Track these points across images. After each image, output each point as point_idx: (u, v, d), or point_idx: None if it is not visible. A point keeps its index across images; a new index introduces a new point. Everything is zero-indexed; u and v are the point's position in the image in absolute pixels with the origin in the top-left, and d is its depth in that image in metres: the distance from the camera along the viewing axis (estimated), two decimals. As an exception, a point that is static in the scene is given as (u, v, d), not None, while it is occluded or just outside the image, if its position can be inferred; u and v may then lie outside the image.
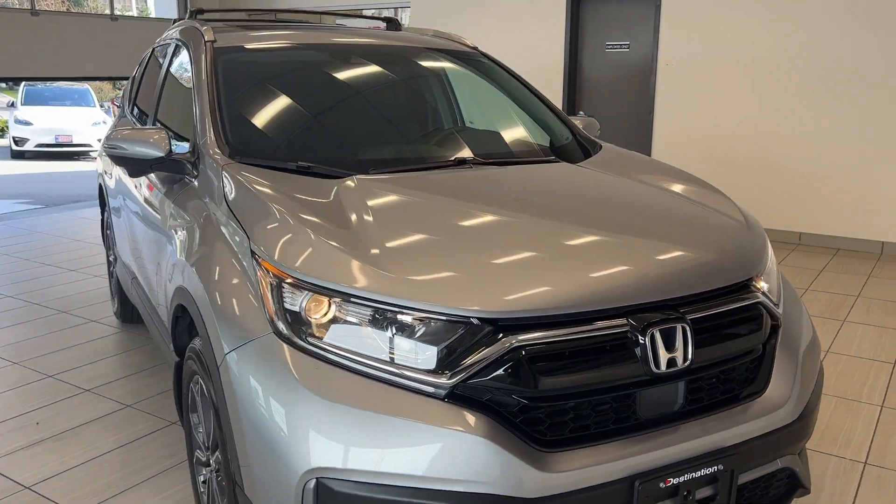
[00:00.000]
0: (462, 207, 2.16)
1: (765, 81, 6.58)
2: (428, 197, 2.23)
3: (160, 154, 2.51)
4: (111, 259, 4.51)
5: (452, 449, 1.59)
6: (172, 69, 3.35)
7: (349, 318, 1.72)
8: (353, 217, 1.97)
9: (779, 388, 1.97)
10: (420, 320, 1.68)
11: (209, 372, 1.96)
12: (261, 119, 2.80)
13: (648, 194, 2.40)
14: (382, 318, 1.70)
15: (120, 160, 2.63)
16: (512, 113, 3.17)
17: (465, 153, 2.69)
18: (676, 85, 7.07)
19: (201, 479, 2.38)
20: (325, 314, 1.74)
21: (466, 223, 2.06)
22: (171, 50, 3.41)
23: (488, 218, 2.10)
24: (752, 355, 1.96)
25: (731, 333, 1.89)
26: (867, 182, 6.27)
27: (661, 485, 1.71)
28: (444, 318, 1.67)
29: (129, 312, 4.41)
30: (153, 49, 3.98)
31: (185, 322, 2.41)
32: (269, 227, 1.96)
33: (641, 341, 1.72)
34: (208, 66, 2.78)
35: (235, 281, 1.91)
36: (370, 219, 1.96)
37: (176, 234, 2.42)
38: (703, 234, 2.11)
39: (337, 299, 1.73)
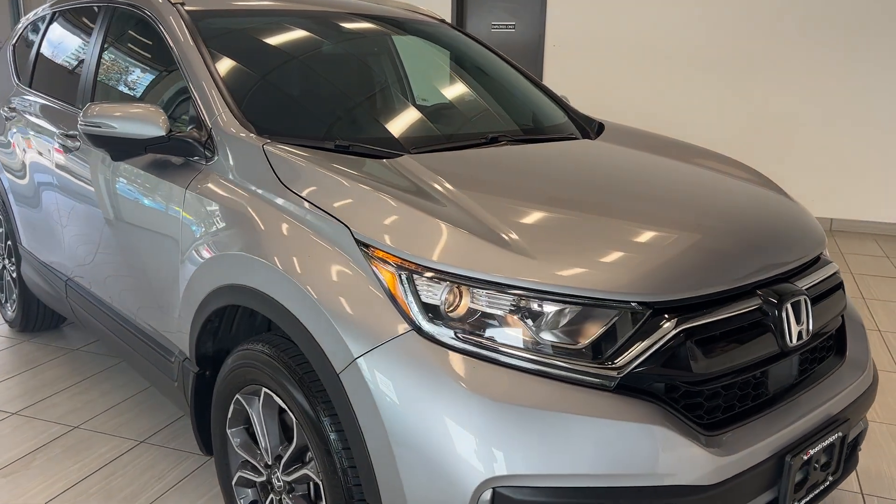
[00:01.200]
0: (551, 186, 2.05)
1: (651, 62, 6.91)
2: (506, 175, 2.10)
3: (159, 133, 2.15)
4: (3, 256, 3.89)
5: (632, 442, 1.50)
6: (114, 40, 2.91)
7: (499, 310, 1.57)
8: (454, 199, 1.80)
9: (856, 352, 2.06)
10: (579, 308, 1.56)
11: (302, 382, 1.72)
12: (267, 93, 2.50)
13: (703, 171, 2.39)
14: (538, 307, 1.56)
15: (101, 141, 2.23)
16: (514, 91, 3.06)
17: (492, 130, 2.56)
18: (563, 66, 7.24)
19: (244, 499, 2.10)
20: (472, 306, 1.57)
21: (571, 203, 1.95)
22: (103, 18, 2.95)
23: (584, 197, 2.00)
24: (840, 322, 2.04)
25: (830, 302, 1.95)
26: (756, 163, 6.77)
27: (804, 456, 1.72)
28: (603, 304, 1.56)
29: (33, 320, 3.82)
30: (45, 18, 3.45)
31: (213, 327, 2.11)
32: (374, 213, 1.74)
33: (776, 316, 1.72)
34: (189, 33, 2.43)
35: (342, 276, 1.67)
36: (473, 201, 1.80)
37: (202, 226, 2.09)
38: (783, 207, 2.14)
39: (483, 289, 1.57)
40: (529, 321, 1.56)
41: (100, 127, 2.20)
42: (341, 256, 1.69)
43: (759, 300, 1.73)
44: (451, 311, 1.57)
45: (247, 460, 2.08)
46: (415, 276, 1.59)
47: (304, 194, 1.86)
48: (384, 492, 1.57)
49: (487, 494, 1.46)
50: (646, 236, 1.78)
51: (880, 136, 6.33)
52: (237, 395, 2.01)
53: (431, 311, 1.57)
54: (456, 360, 1.52)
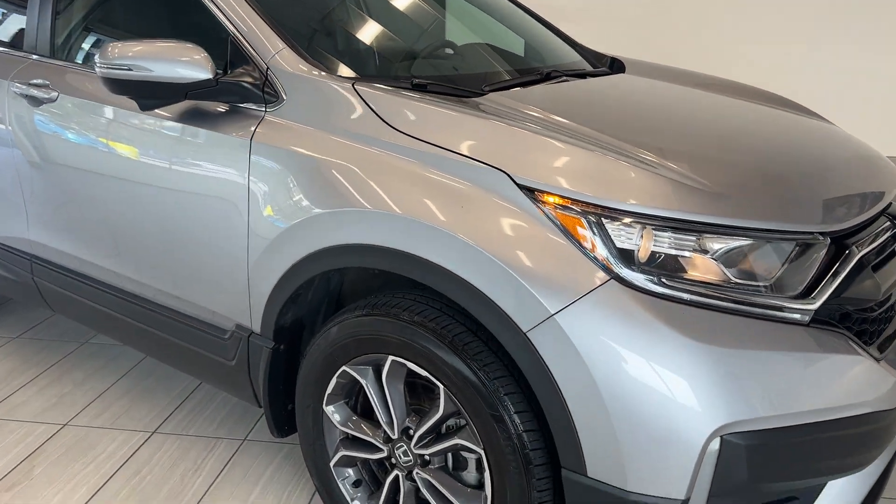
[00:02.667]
0: (659, 121, 1.96)
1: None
2: (609, 110, 1.99)
3: (205, 77, 1.84)
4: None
5: (837, 373, 1.48)
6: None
7: (692, 251, 1.47)
8: (589, 136, 1.67)
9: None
10: (769, 242, 1.50)
11: (455, 346, 1.56)
12: (319, 27, 2.21)
13: (758, 106, 2.38)
14: (729, 244, 1.49)
15: (129, 87, 1.88)
16: (533, 30, 2.91)
17: (542, 67, 2.42)
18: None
19: (346, 480, 1.93)
20: (662, 249, 1.47)
21: (694, 138, 1.87)
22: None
23: (698, 134, 1.93)
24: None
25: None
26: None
27: None
28: (793, 237, 1.52)
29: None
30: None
31: (299, 297, 1.87)
32: (531, 155, 1.58)
33: None
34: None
35: (510, 226, 1.51)
36: (617, 140, 1.68)
37: (280, 183, 1.81)
38: (860, 144, 2.17)
39: (674, 230, 1.47)
40: (722, 260, 1.48)
41: (130, 70, 1.84)
42: (502, 205, 1.52)
43: (890, 224, 1.75)
44: (643, 255, 1.47)
45: (353, 437, 1.89)
46: (604, 221, 1.47)
47: (427, 139, 1.65)
48: (589, 453, 1.46)
49: (715, 444, 1.39)
50: (791, 169, 1.75)
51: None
52: (344, 368, 1.80)
53: (628, 257, 1.46)
54: (662, 306, 1.42)
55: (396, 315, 1.67)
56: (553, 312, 1.43)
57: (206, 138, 1.96)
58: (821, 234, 1.54)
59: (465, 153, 1.60)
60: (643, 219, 1.46)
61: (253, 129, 1.88)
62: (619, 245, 1.46)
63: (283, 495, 2.24)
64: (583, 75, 2.41)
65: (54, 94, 2.34)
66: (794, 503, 1.58)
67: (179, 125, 2.01)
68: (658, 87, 2.45)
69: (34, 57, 2.50)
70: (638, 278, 1.44)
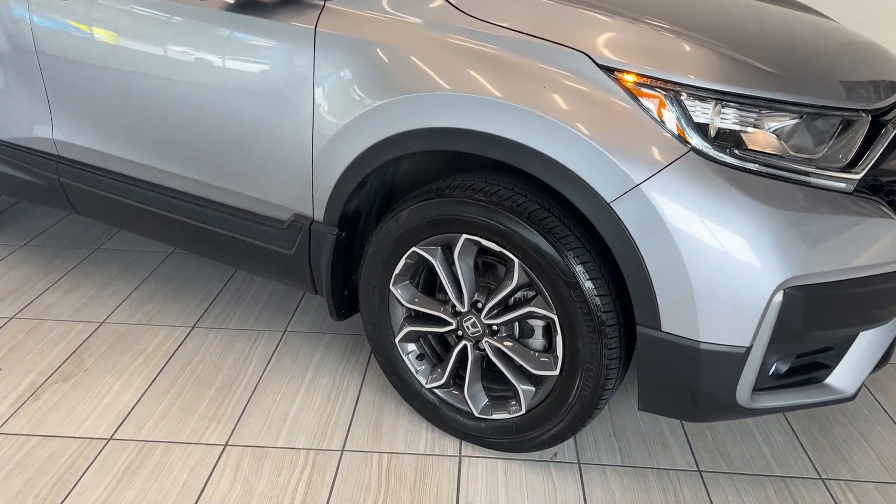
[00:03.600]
0: (706, 11, 2.06)
1: None
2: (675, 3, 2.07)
3: None
4: None
5: (875, 237, 1.66)
6: None
7: (755, 124, 1.62)
8: (650, 17, 1.78)
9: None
10: (820, 118, 1.66)
11: (532, 220, 1.70)
12: None
13: (792, 11, 2.47)
14: (788, 120, 1.64)
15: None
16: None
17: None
18: None
19: (410, 355, 2.07)
20: (731, 123, 1.61)
21: (746, 26, 1.99)
22: None
23: (753, 25, 2.03)
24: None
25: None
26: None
27: None
28: (840, 113, 1.67)
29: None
30: None
31: (366, 184, 1.96)
32: (606, 35, 1.68)
33: None
34: None
35: (593, 104, 1.61)
36: (682, 28, 1.78)
37: (347, 69, 1.86)
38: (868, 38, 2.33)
39: (739, 105, 1.61)
40: (780, 134, 1.64)
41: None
42: (584, 85, 1.63)
43: None
44: (715, 130, 1.60)
45: (418, 313, 2.02)
46: (682, 97, 1.59)
47: (506, 24, 1.73)
48: (665, 309, 1.63)
49: (779, 296, 1.57)
50: (832, 57, 1.91)
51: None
52: (414, 248, 1.91)
53: (703, 130, 1.59)
54: (734, 175, 1.57)
55: (472, 197, 1.78)
56: (638, 182, 1.57)
57: (264, 28, 1.98)
58: (863, 111, 1.71)
59: (546, 37, 1.69)
60: (716, 95, 1.59)
61: (316, 16, 1.91)
62: (696, 120, 1.59)
63: (335, 375, 2.37)
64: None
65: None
66: (829, 353, 1.81)
67: (233, 14, 2.02)
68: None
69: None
70: (712, 150, 1.58)
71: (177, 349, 2.50)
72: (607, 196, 1.61)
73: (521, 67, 1.69)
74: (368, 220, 2.15)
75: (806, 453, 2.10)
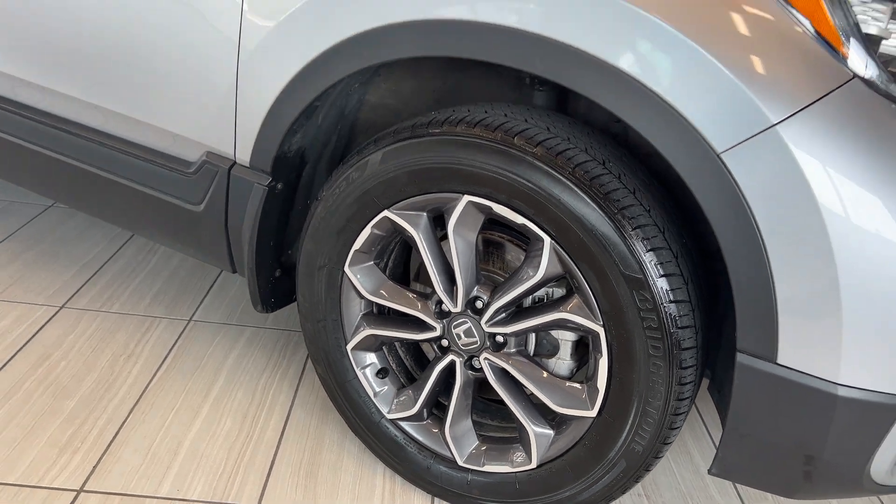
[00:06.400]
0: None
1: None
2: None
3: None
4: None
5: None
6: None
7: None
8: None
9: None
10: None
11: (580, 183, 1.07)
12: None
13: None
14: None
15: None
16: None
17: None
18: None
19: (368, 368, 1.43)
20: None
21: None
22: None
23: None
24: None
25: None
26: None
27: None
28: None
29: None
30: None
31: (318, 118, 1.31)
32: None
33: None
34: None
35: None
36: None
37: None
38: None
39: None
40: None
41: None
42: None
43: None
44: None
45: (385, 310, 1.38)
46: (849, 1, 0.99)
47: None
48: (789, 331, 1.02)
49: None
50: None
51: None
52: (385, 213, 1.26)
53: (869, 48, 1.00)
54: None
55: (483, 136, 1.14)
56: (774, 122, 0.96)
57: None
58: None
59: None
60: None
61: None
62: (865, 30, 0.99)
63: (256, 387, 1.70)
64: None
65: None
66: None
67: None
68: None
69: None
70: (879, 76, 0.99)
71: (32, 337, 1.79)
72: (718, 144, 0.99)
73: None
74: (317, 169, 1.50)
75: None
